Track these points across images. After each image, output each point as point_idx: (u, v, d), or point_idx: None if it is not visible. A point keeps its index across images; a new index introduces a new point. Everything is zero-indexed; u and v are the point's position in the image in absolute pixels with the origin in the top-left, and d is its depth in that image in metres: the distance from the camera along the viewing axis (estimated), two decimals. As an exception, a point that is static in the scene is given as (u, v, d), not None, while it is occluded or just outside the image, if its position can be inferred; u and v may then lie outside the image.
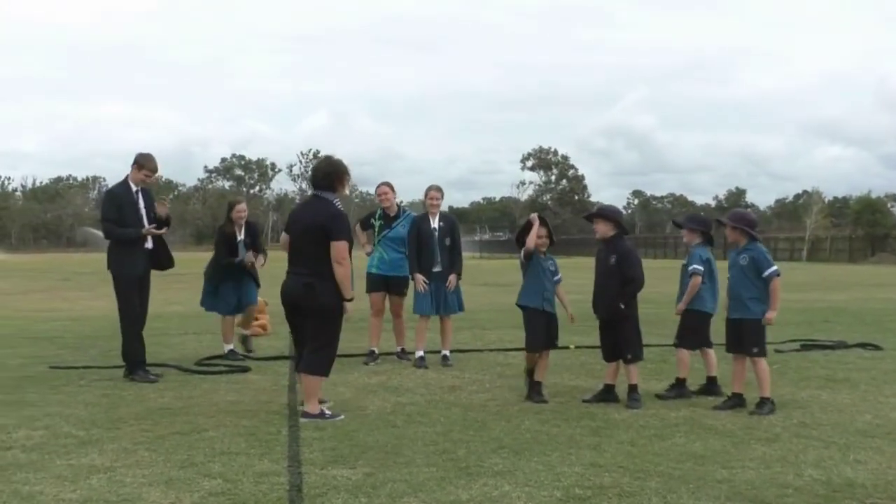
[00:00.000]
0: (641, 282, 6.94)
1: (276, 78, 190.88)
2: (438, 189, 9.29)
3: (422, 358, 8.91)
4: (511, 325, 12.87)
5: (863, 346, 10.29)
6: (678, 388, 7.21)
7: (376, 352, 9.23)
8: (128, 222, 8.01)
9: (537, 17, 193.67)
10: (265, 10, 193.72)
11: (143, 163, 8.09)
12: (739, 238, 6.77)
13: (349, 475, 4.82)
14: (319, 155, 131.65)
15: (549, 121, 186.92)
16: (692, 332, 7.30)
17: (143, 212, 8.14)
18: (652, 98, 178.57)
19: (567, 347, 9.94)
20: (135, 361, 8.04)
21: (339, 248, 6.21)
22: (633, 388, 6.86)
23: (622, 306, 6.85)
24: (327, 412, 6.32)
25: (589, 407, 6.73)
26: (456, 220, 9.57)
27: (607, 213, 7.18)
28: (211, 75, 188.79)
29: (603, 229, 7.03)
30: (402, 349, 9.37)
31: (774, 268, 6.62)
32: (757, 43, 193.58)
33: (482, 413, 6.52)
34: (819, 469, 4.94)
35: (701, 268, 7.14)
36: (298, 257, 6.38)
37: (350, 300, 6.33)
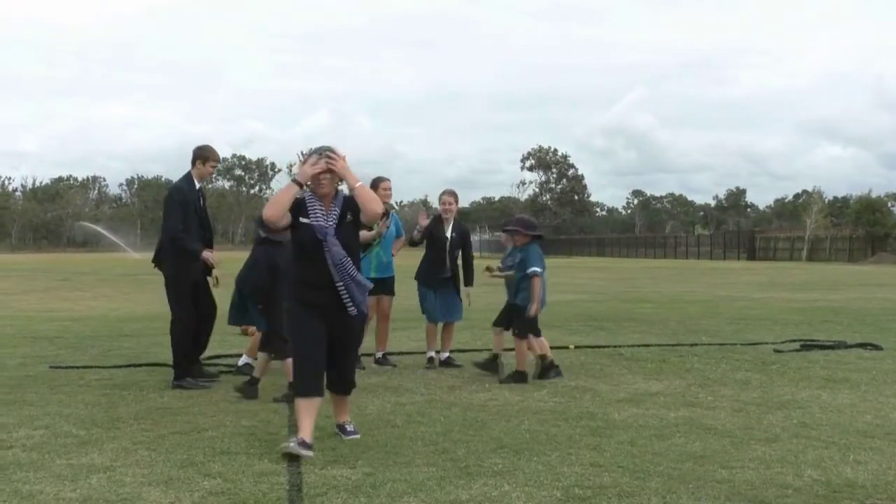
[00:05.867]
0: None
1: (276, 77, 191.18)
2: (452, 193, 9.09)
3: (431, 359, 8.91)
4: (511, 325, 12.86)
5: (863, 346, 10.28)
6: (519, 377, 7.85)
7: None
8: (189, 222, 7.74)
9: (537, 16, 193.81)
10: (265, 9, 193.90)
11: (209, 155, 7.88)
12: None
13: (349, 475, 4.82)
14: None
15: (548, 120, 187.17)
16: (526, 323, 7.90)
17: (202, 209, 7.94)
18: (651, 97, 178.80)
19: (567, 347, 9.95)
20: (186, 368, 7.70)
21: None
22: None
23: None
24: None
25: (589, 407, 6.73)
26: (468, 229, 9.30)
27: None
28: (211, 75, 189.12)
29: None
30: (384, 354, 9.07)
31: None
32: (756, 42, 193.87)
33: (482, 413, 6.52)
34: (819, 469, 4.94)
35: (540, 269, 7.80)
36: None
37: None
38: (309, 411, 5.36)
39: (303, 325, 5.48)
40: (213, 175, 8.57)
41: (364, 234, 8.58)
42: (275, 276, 7.11)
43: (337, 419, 5.82)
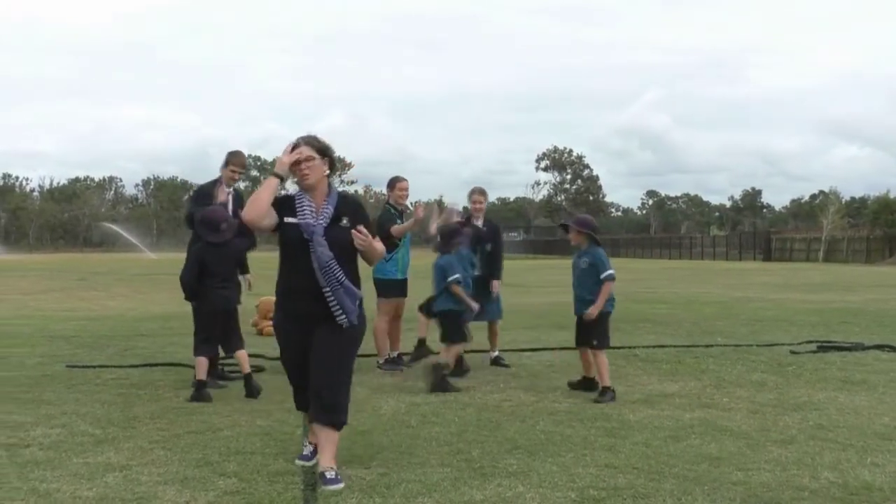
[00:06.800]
0: None
1: (292, 79, 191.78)
2: (482, 192, 9.14)
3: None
4: (524, 326, 12.85)
5: (880, 347, 10.20)
6: (610, 393, 7.06)
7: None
8: None
9: (552, 16, 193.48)
10: (281, 10, 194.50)
11: (229, 159, 8.05)
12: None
13: (363, 475, 4.83)
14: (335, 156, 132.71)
15: (563, 121, 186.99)
16: (605, 331, 7.34)
17: (231, 213, 7.92)
18: (666, 98, 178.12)
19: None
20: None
21: None
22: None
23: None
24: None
25: (603, 408, 6.71)
26: (499, 226, 9.33)
27: None
28: (227, 76, 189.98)
29: None
30: (399, 354, 9.05)
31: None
32: (772, 41, 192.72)
33: (496, 413, 6.52)
34: (835, 472, 4.91)
35: (614, 272, 7.30)
36: None
37: None
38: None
39: (287, 343, 4.98)
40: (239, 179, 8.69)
41: (396, 228, 8.63)
42: (203, 275, 7.28)
43: (319, 462, 4.79)
